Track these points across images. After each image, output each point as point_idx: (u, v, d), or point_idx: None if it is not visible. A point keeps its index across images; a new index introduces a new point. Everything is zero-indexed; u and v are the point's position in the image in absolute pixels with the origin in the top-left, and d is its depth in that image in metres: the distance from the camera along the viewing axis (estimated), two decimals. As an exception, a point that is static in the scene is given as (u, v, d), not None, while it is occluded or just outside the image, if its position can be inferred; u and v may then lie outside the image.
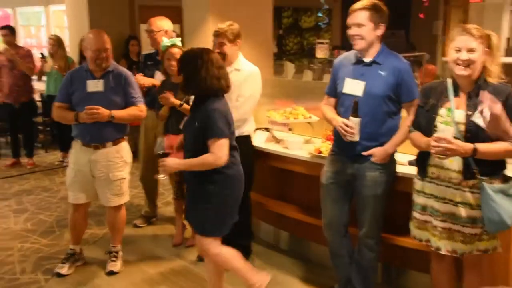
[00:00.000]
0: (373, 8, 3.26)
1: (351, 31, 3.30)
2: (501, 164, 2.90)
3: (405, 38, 11.95)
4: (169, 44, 4.42)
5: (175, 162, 3.31)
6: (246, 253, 4.26)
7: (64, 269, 4.08)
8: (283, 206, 4.40)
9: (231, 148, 3.23)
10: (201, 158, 3.17)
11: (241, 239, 4.24)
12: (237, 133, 3.93)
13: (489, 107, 1.91)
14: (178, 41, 4.52)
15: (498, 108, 1.93)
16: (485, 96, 2.42)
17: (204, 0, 5.63)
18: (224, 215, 3.30)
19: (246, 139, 4.12)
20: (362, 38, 3.27)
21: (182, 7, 5.87)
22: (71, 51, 7.97)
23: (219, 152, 3.11)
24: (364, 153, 3.30)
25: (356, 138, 3.24)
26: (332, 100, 3.51)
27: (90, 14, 8.07)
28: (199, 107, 3.21)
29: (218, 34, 3.99)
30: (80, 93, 3.94)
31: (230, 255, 3.36)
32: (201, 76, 3.15)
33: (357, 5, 3.28)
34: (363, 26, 3.26)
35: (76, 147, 4.04)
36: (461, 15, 13.05)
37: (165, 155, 3.34)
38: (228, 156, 3.16)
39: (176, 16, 5.10)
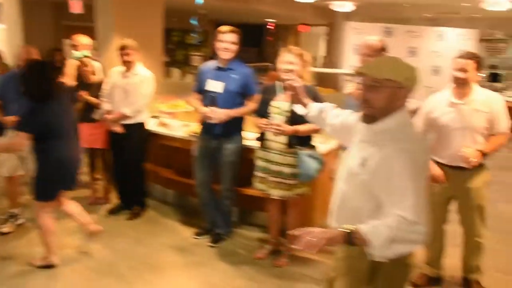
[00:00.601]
0: (239, 33, 3.41)
1: (223, 45, 3.36)
2: (309, 137, 3.20)
3: (257, 53, 12.70)
4: (79, 55, 4.27)
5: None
6: (142, 207, 4.31)
7: (6, 228, 3.81)
8: (169, 172, 4.45)
9: (46, 138, 3.04)
10: (10, 139, 3.33)
11: (138, 197, 4.30)
12: (133, 121, 3.99)
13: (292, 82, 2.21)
14: (87, 53, 4.39)
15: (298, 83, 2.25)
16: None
17: (111, 23, 5.56)
18: (46, 187, 3.16)
19: (141, 125, 4.09)
20: (232, 52, 3.39)
21: (95, 27, 5.78)
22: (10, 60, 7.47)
23: (18, 138, 3.01)
24: (211, 117, 3.34)
25: (216, 121, 3.37)
26: (198, 96, 3.56)
27: (25, 32, 7.56)
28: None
29: (124, 47, 3.90)
30: (13, 91, 3.66)
31: (48, 227, 3.22)
32: (39, 84, 3.03)
33: (227, 28, 3.38)
34: (234, 44, 3.38)
35: (8, 133, 3.78)
36: (295, 39, 14.10)
37: None
38: (41, 144, 3.05)
39: (91, 34, 4.98)
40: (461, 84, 2.84)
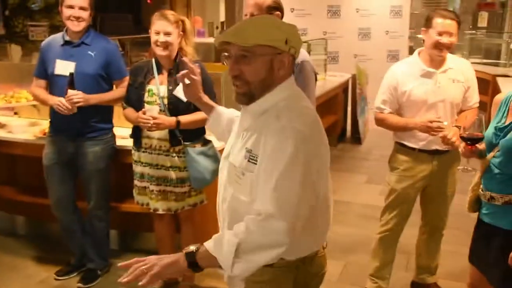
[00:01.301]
0: None
1: (73, 12, 3.28)
2: (201, 130, 3.21)
3: (134, 20, 12.46)
4: None
5: None
6: None
7: None
8: (15, 192, 4.24)
9: None
10: None
11: None
12: None
13: (188, 74, 2.11)
14: None
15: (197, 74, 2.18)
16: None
17: None
18: None
19: None
20: (83, 20, 3.32)
21: None
22: None
23: None
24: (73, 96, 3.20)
25: (75, 110, 3.24)
26: (42, 82, 3.46)
27: None
28: None
29: None
30: None
31: None
32: None
33: None
34: (85, 10, 3.31)
35: None
36: (185, 2, 13.95)
37: None
38: None
39: None
40: (444, 52, 3.01)
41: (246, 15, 3.01)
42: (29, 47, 9.01)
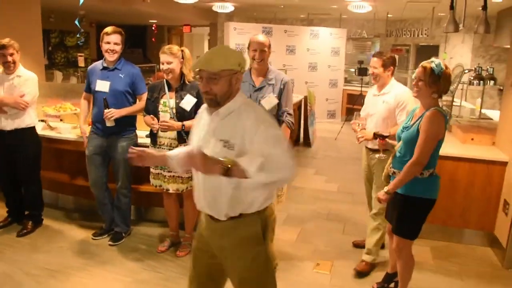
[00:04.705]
0: (122, 33, 3.48)
1: (109, 47, 3.41)
2: None
3: (142, 54, 12.51)
4: None
5: None
6: (38, 222, 3.99)
7: None
8: (61, 176, 4.31)
9: None
10: None
11: (34, 211, 3.97)
12: (25, 124, 3.68)
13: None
14: None
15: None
16: None
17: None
18: None
19: (33, 129, 3.81)
20: (116, 52, 3.44)
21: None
22: None
23: None
24: (108, 113, 3.37)
25: (112, 123, 3.44)
26: (88, 95, 3.61)
27: None
28: None
29: (6, 47, 3.56)
30: None
31: None
32: None
33: (112, 29, 3.44)
34: (118, 45, 3.45)
35: None
36: (179, 40, 14.13)
37: None
38: None
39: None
40: None
41: (255, 50, 3.13)
42: (68, 73, 9.13)
